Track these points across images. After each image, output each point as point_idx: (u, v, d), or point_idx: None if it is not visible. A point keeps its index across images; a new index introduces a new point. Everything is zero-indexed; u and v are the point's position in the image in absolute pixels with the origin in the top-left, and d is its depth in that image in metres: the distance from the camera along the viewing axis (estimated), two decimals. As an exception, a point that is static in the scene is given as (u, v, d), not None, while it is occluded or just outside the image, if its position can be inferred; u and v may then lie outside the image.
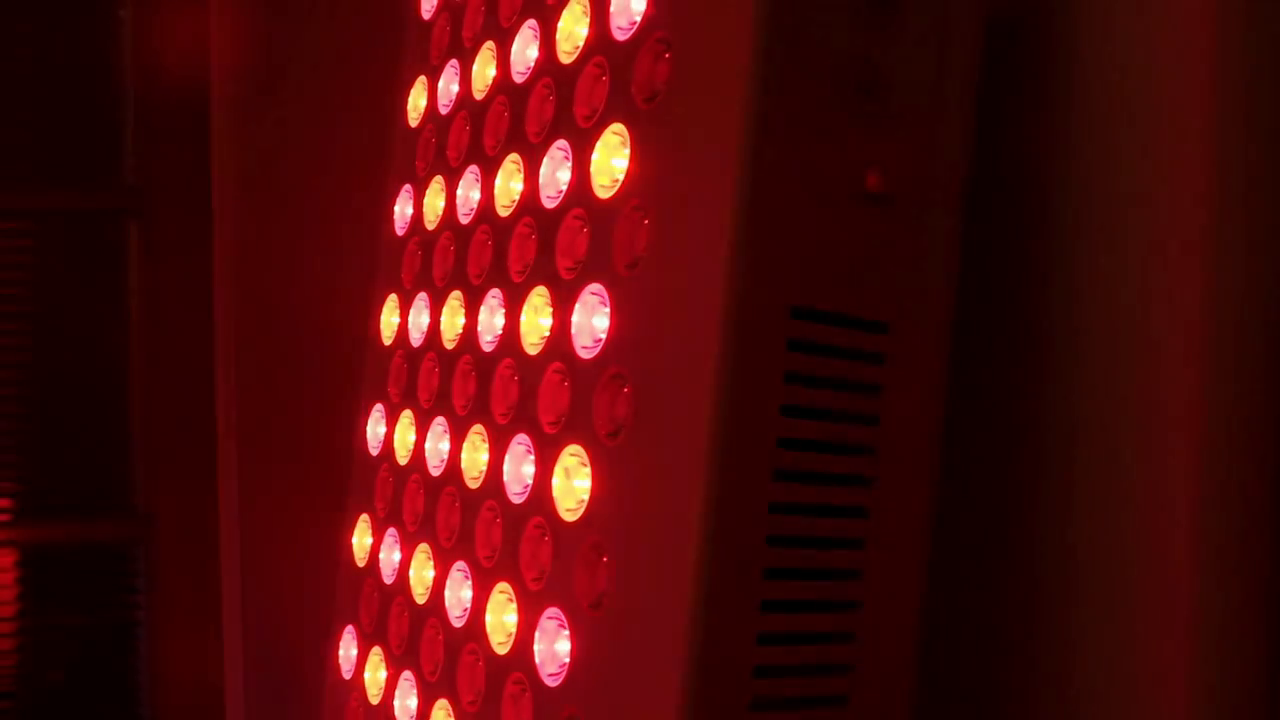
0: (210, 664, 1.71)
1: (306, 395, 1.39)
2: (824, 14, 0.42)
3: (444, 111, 0.64)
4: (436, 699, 0.55)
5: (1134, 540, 0.45)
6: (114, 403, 2.00)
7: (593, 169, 0.48)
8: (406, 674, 0.59)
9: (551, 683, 0.47)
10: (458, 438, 0.57)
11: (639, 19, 0.47)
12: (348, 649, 0.67)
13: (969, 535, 0.50)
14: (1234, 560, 0.43)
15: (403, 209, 0.67)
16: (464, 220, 0.60)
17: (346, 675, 0.66)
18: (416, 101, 0.67)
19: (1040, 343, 0.48)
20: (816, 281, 0.42)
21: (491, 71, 0.59)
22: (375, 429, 0.67)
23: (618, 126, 0.47)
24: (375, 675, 0.63)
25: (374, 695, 0.63)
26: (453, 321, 0.59)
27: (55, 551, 2.02)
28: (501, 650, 0.50)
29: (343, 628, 0.67)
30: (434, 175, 0.64)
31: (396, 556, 0.62)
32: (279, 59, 1.44)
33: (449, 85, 0.64)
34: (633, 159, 0.46)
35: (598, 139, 0.48)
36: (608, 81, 0.48)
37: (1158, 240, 0.44)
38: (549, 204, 0.52)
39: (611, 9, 0.49)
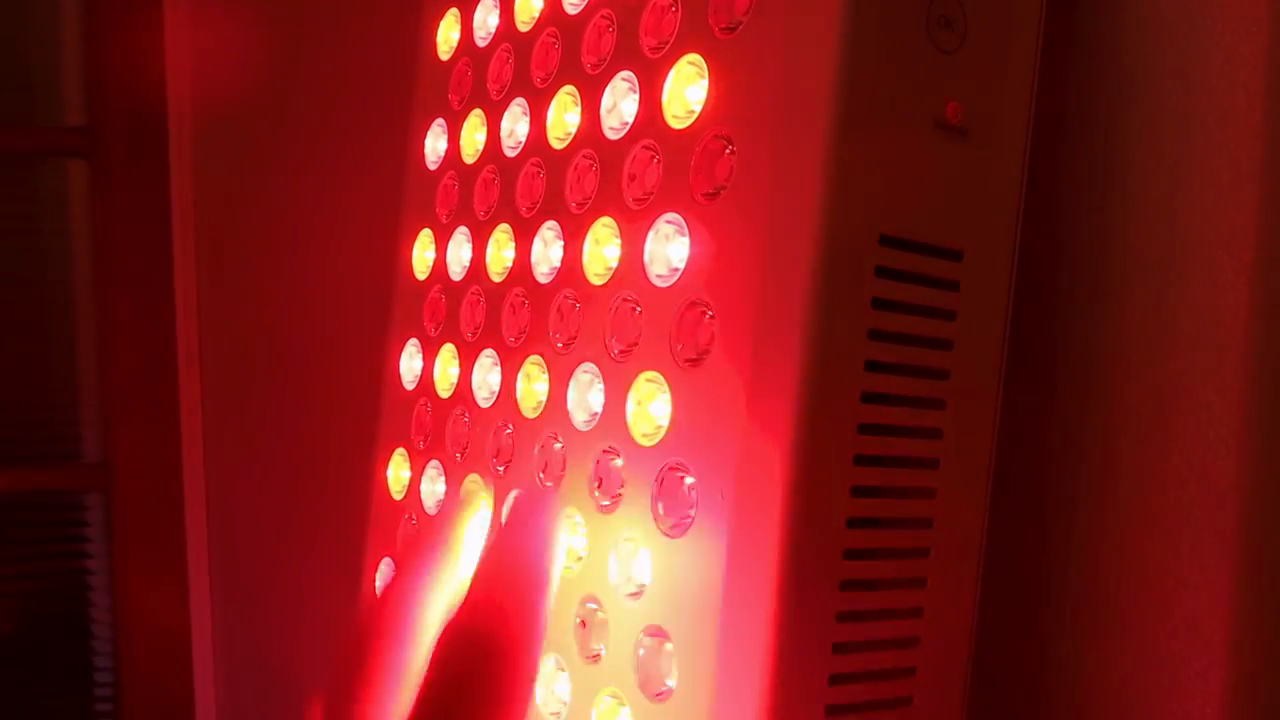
0: (176, 609, 1.70)
1: (271, 334, 1.37)
2: (911, -53, 0.43)
3: (481, 45, 0.64)
4: (493, 624, 0.56)
5: (1199, 497, 0.47)
6: (63, 349, 1.96)
7: (665, 99, 0.49)
8: (457, 601, 0.60)
9: (630, 604, 0.48)
10: (510, 369, 0.57)
11: (715, -50, 0.47)
12: (385, 580, 0.67)
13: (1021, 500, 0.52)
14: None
15: (434, 142, 0.67)
16: (511, 153, 0.60)
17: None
18: (447, 34, 0.67)
19: (1095, 291, 0.50)
20: (903, 210, 0.44)
21: (538, 3, 0.59)
22: (410, 363, 0.67)
23: (693, 57, 0.48)
24: (418, 605, 0.64)
25: (418, 624, 0.63)
26: (499, 254, 0.60)
27: (4, 501, 1.98)
28: (569, 573, 0.52)
29: (378, 560, 0.68)
30: (472, 108, 0.64)
31: (441, 488, 0.63)
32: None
33: (486, 18, 0.63)
34: (713, 88, 0.47)
35: (670, 69, 0.49)
36: (679, 12, 0.49)
37: (1216, 188, 0.46)
38: (612, 135, 0.52)
39: (681, -60, 0.49)
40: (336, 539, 1.15)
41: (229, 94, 1.49)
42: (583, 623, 0.51)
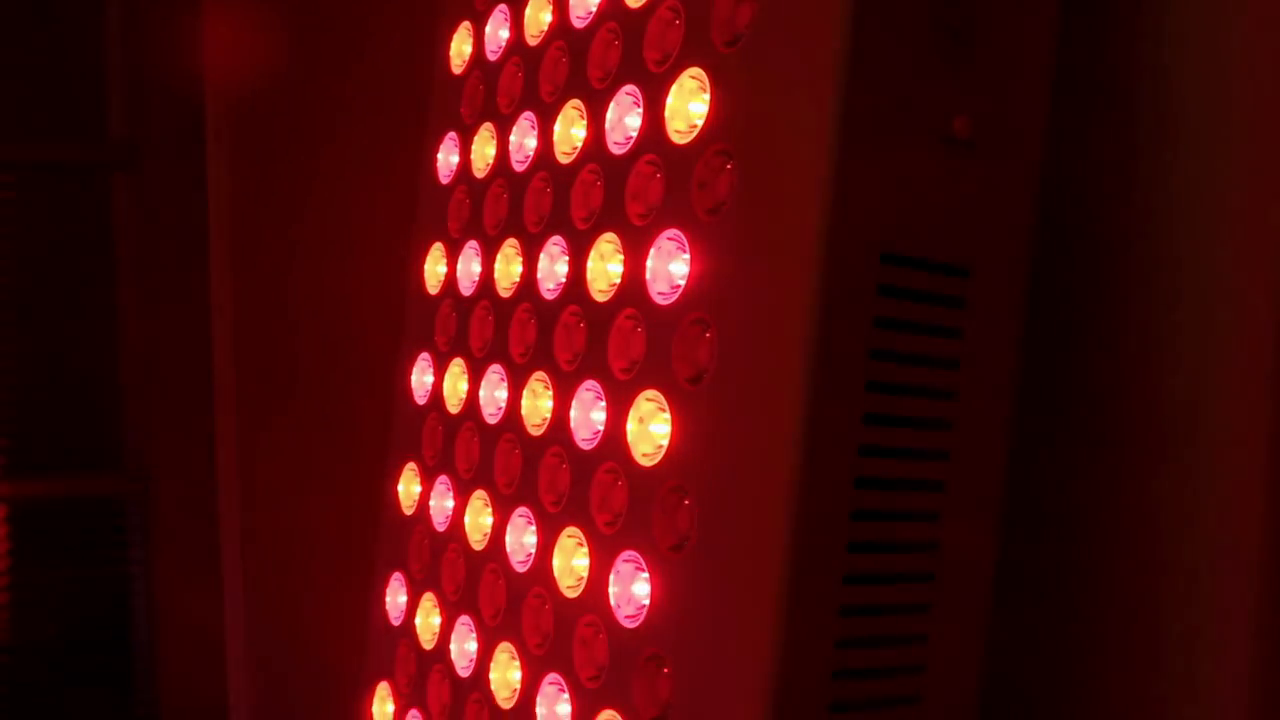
0: (210, 615, 1.71)
1: (303, 345, 1.38)
2: (915, -43, 0.42)
3: (493, 58, 0.63)
4: (499, 642, 0.56)
5: (1210, 514, 0.46)
6: (106, 358, 1.98)
7: (667, 113, 0.48)
8: (464, 619, 0.59)
9: (630, 624, 0.47)
10: (516, 385, 0.57)
11: (717, -38, 0.47)
12: (395, 595, 0.67)
13: (1039, 504, 0.51)
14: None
15: (447, 156, 0.67)
16: (519, 168, 0.59)
17: (396, 622, 0.66)
18: (460, 48, 0.67)
19: (1120, 304, 0.49)
20: (906, 226, 0.42)
21: (547, 17, 0.58)
22: (421, 378, 0.67)
23: (695, 70, 0.47)
24: (428, 620, 0.63)
25: (427, 641, 0.63)
26: (508, 269, 0.59)
27: (46, 507, 2.01)
28: (571, 594, 0.51)
29: (389, 575, 0.68)
30: (483, 122, 0.63)
31: (449, 504, 0.62)
32: (274, 11, 1.42)
33: (497, 31, 0.63)
34: (714, 103, 0.46)
35: (673, 84, 0.48)
36: (682, 25, 0.48)
37: (1246, 195, 0.45)
38: (617, 150, 0.51)
39: (685, -48, 0.48)
40: (366, 542, 1.15)
41: (265, 107, 1.51)
42: (581, 643, 0.50)
